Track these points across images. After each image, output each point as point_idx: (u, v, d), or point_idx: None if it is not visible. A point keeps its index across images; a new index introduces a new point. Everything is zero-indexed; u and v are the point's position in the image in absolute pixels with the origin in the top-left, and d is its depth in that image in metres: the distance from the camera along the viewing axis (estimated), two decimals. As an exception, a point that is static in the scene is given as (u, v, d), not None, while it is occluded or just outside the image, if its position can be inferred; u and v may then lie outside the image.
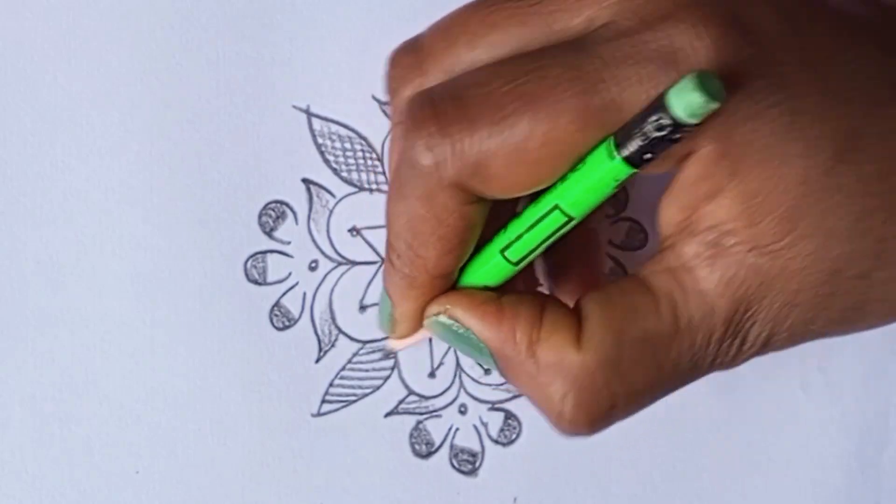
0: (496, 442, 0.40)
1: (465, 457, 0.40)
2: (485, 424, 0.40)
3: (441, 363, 0.40)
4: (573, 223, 0.32)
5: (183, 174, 0.39)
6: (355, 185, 0.39)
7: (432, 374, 0.40)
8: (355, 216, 0.39)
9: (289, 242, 0.39)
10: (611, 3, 0.31)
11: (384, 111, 0.39)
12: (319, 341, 0.39)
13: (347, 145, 0.39)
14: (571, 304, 0.33)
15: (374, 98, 0.39)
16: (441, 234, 0.32)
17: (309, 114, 0.39)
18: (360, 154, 0.39)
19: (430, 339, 0.40)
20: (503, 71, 0.31)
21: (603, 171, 0.30)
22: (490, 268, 0.34)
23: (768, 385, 0.41)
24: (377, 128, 0.39)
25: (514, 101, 0.30)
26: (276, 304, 0.39)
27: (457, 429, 0.40)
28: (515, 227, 0.33)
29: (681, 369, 0.32)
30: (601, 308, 0.32)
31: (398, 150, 0.33)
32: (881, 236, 0.31)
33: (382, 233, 0.39)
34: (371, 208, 0.39)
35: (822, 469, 0.41)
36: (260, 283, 0.39)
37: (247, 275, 0.39)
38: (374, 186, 0.39)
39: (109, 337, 0.39)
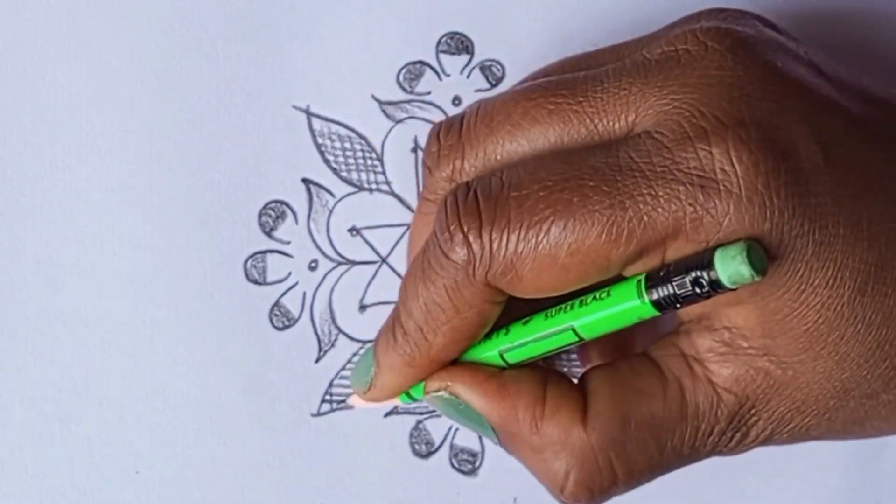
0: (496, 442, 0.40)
1: (465, 457, 0.40)
2: (485, 424, 0.40)
3: (441, 363, 0.40)
4: (582, 342, 0.32)
5: (183, 174, 0.39)
6: (355, 185, 0.39)
7: (432, 374, 0.40)
8: (355, 216, 0.39)
9: (289, 242, 0.39)
10: (654, 111, 0.31)
11: (384, 111, 0.39)
12: (319, 341, 0.39)
13: (347, 145, 0.39)
14: (584, 366, 0.34)
15: (374, 98, 0.39)
16: (455, 325, 0.32)
17: (309, 114, 0.39)
18: (360, 154, 0.39)
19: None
20: (541, 175, 0.31)
21: (627, 308, 0.30)
22: (486, 360, 0.34)
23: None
24: (377, 128, 0.39)
25: (548, 207, 0.30)
26: (276, 303, 0.39)
27: (457, 429, 0.40)
28: (520, 334, 0.33)
29: (682, 454, 0.33)
30: (609, 387, 0.32)
31: (428, 226, 0.33)
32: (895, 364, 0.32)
33: (382, 232, 0.39)
34: (371, 208, 0.39)
35: (822, 469, 0.41)
36: (260, 283, 0.39)
37: (247, 275, 0.39)
38: (373, 186, 0.39)
39: (109, 337, 0.39)
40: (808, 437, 0.33)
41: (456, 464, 0.40)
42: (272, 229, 0.39)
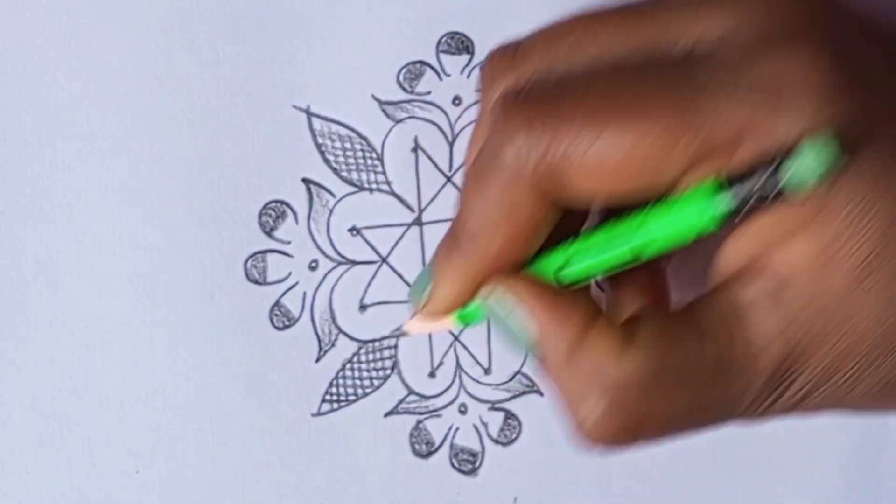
0: (496, 442, 0.40)
1: (465, 457, 0.40)
2: (485, 424, 0.40)
3: (441, 363, 0.40)
4: (637, 263, 0.32)
5: (183, 174, 0.39)
6: (355, 185, 0.39)
7: (432, 374, 0.40)
8: (355, 216, 0.39)
9: (289, 242, 0.39)
10: (722, 23, 0.30)
11: (384, 111, 0.39)
12: (319, 341, 0.39)
13: (347, 145, 0.39)
14: (622, 315, 0.34)
15: (374, 98, 0.39)
16: (507, 231, 0.32)
17: (309, 114, 0.39)
18: (360, 154, 0.39)
19: (431, 339, 0.40)
20: (600, 79, 0.31)
21: (694, 214, 0.30)
22: (544, 276, 0.33)
23: (768, 385, 0.41)
24: (377, 128, 0.39)
25: (605, 109, 0.30)
26: (276, 303, 0.39)
27: (457, 428, 0.40)
28: (576, 251, 0.33)
29: (710, 410, 0.32)
30: (649, 331, 0.32)
31: (484, 139, 0.33)
32: None
33: (382, 232, 0.39)
34: (371, 208, 0.39)
35: (822, 469, 0.41)
36: (260, 283, 0.39)
37: (247, 274, 0.39)
38: (374, 186, 0.39)
39: (109, 337, 0.39)
40: (840, 402, 0.32)
41: (456, 464, 0.40)
42: (272, 229, 0.39)
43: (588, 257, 0.32)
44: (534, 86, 0.32)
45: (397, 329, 0.38)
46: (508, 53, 0.34)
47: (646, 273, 0.36)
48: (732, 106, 0.29)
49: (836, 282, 0.30)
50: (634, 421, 0.32)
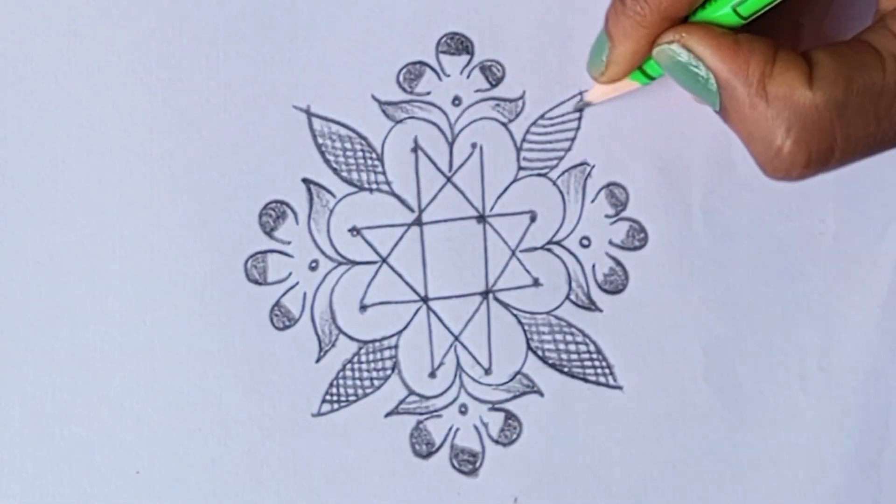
0: (496, 442, 0.40)
1: (466, 457, 0.40)
2: (485, 424, 0.40)
3: (441, 363, 0.40)
4: None
5: (183, 174, 0.39)
6: (355, 185, 0.39)
7: (432, 374, 0.40)
8: (355, 216, 0.39)
9: (289, 242, 0.39)
10: None
11: (384, 111, 0.39)
12: (319, 341, 0.39)
13: (347, 145, 0.39)
14: None
15: (374, 98, 0.39)
16: None
17: (309, 114, 0.39)
18: (360, 154, 0.39)
19: (431, 339, 0.40)
20: None
21: None
22: (717, 20, 0.34)
23: (768, 385, 0.41)
24: (377, 128, 0.39)
25: None
26: (277, 303, 0.39)
27: (457, 429, 0.40)
28: None
29: (892, 132, 0.33)
30: (832, 58, 0.33)
31: None
32: None
33: (382, 232, 0.39)
34: (371, 208, 0.39)
35: (822, 469, 0.41)
36: (260, 283, 0.39)
37: (247, 275, 0.39)
38: (374, 186, 0.39)
39: (109, 337, 0.39)
40: None
41: (456, 464, 0.40)
42: (272, 229, 0.39)
43: None
44: None
45: (580, 100, 0.39)
46: None
47: (789, 27, 0.38)
48: None
49: None
50: (826, 146, 0.33)
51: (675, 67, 0.35)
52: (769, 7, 0.34)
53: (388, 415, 0.39)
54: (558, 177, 0.40)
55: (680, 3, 0.34)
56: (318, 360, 0.39)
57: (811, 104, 0.33)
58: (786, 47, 0.34)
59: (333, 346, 0.39)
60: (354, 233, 0.39)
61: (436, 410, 0.40)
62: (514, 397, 0.40)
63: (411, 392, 0.40)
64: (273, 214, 0.39)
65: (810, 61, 0.34)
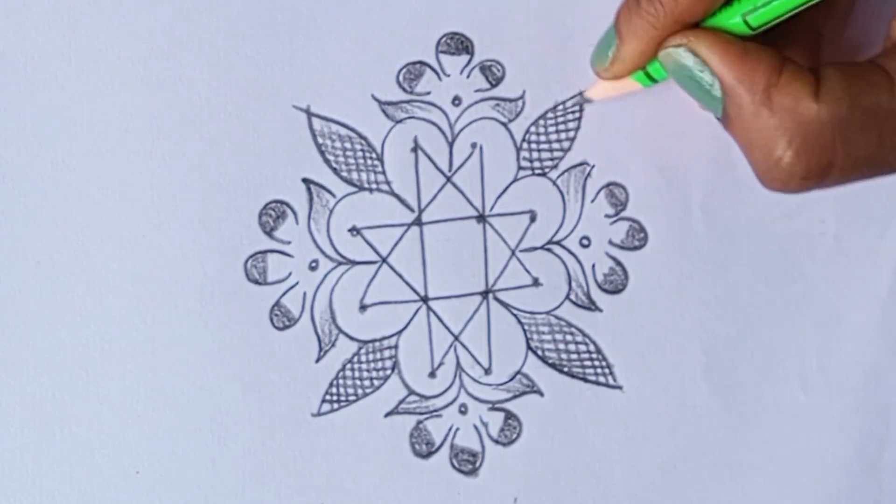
0: (496, 442, 0.40)
1: (466, 457, 0.40)
2: (485, 424, 0.40)
3: (441, 363, 0.40)
4: None
5: (183, 174, 0.39)
6: (355, 185, 0.39)
7: (432, 374, 0.40)
8: (355, 216, 0.39)
9: (289, 242, 0.39)
10: None
11: (384, 111, 0.39)
12: (319, 341, 0.39)
13: (347, 145, 0.39)
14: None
15: (374, 98, 0.39)
16: None
17: (309, 114, 0.39)
18: (360, 154, 0.39)
19: (431, 339, 0.40)
20: None
21: None
22: (727, 28, 0.34)
23: (768, 385, 0.41)
24: (377, 128, 0.39)
25: None
26: (277, 303, 0.39)
27: (457, 429, 0.40)
28: None
29: (893, 155, 0.33)
30: (840, 74, 0.33)
31: None
32: None
33: (382, 232, 0.39)
34: (371, 208, 0.39)
35: (822, 469, 0.41)
36: (260, 283, 0.39)
37: (247, 274, 0.39)
38: (374, 186, 0.39)
39: (109, 337, 0.39)
40: None
41: (456, 464, 0.40)
42: (272, 229, 0.39)
43: None
44: None
45: (580, 96, 0.39)
46: None
47: (808, 36, 0.37)
48: None
49: None
50: (825, 161, 0.33)
51: (679, 71, 0.35)
52: (780, 20, 0.34)
53: (387, 415, 0.39)
54: (558, 176, 0.40)
55: (694, 8, 0.34)
56: (317, 360, 0.39)
57: (815, 117, 0.33)
58: (794, 59, 0.34)
59: (333, 345, 0.39)
60: (354, 233, 0.39)
61: (436, 410, 0.40)
62: (514, 397, 0.40)
63: (411, 392, 0.40)
64: (273, 214, 0.39)
65: (819, 76, 0.33)
